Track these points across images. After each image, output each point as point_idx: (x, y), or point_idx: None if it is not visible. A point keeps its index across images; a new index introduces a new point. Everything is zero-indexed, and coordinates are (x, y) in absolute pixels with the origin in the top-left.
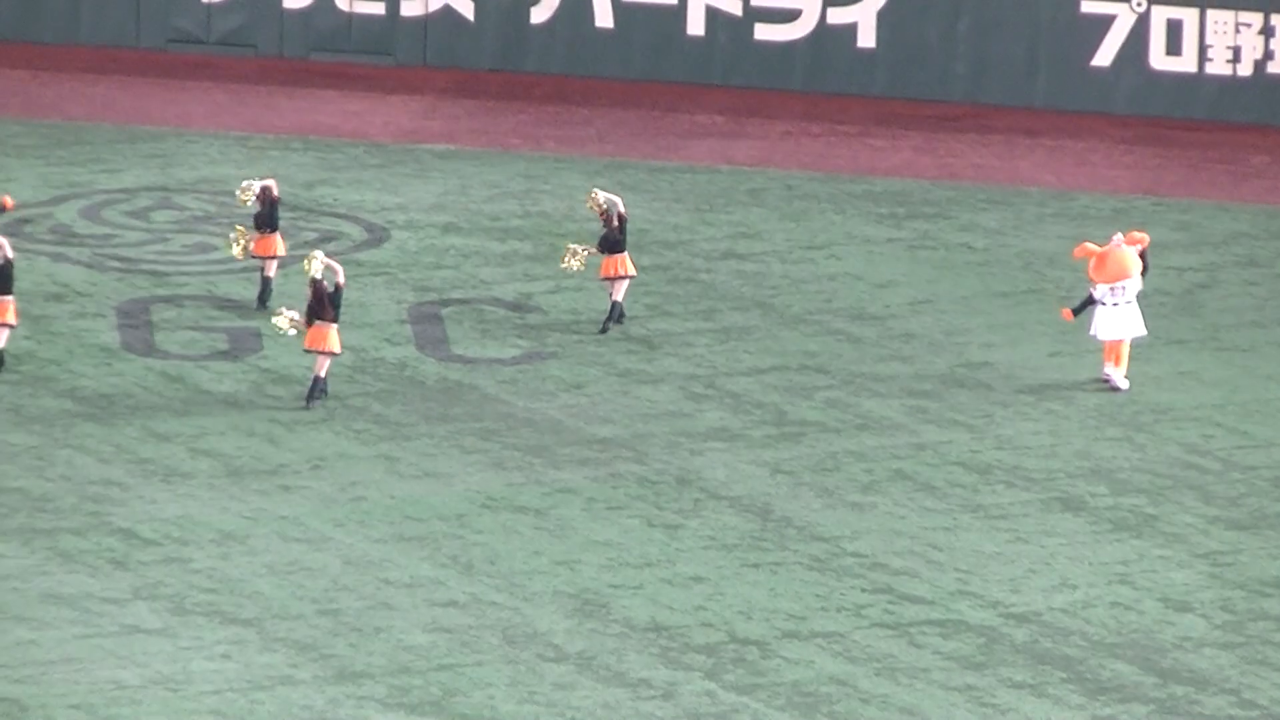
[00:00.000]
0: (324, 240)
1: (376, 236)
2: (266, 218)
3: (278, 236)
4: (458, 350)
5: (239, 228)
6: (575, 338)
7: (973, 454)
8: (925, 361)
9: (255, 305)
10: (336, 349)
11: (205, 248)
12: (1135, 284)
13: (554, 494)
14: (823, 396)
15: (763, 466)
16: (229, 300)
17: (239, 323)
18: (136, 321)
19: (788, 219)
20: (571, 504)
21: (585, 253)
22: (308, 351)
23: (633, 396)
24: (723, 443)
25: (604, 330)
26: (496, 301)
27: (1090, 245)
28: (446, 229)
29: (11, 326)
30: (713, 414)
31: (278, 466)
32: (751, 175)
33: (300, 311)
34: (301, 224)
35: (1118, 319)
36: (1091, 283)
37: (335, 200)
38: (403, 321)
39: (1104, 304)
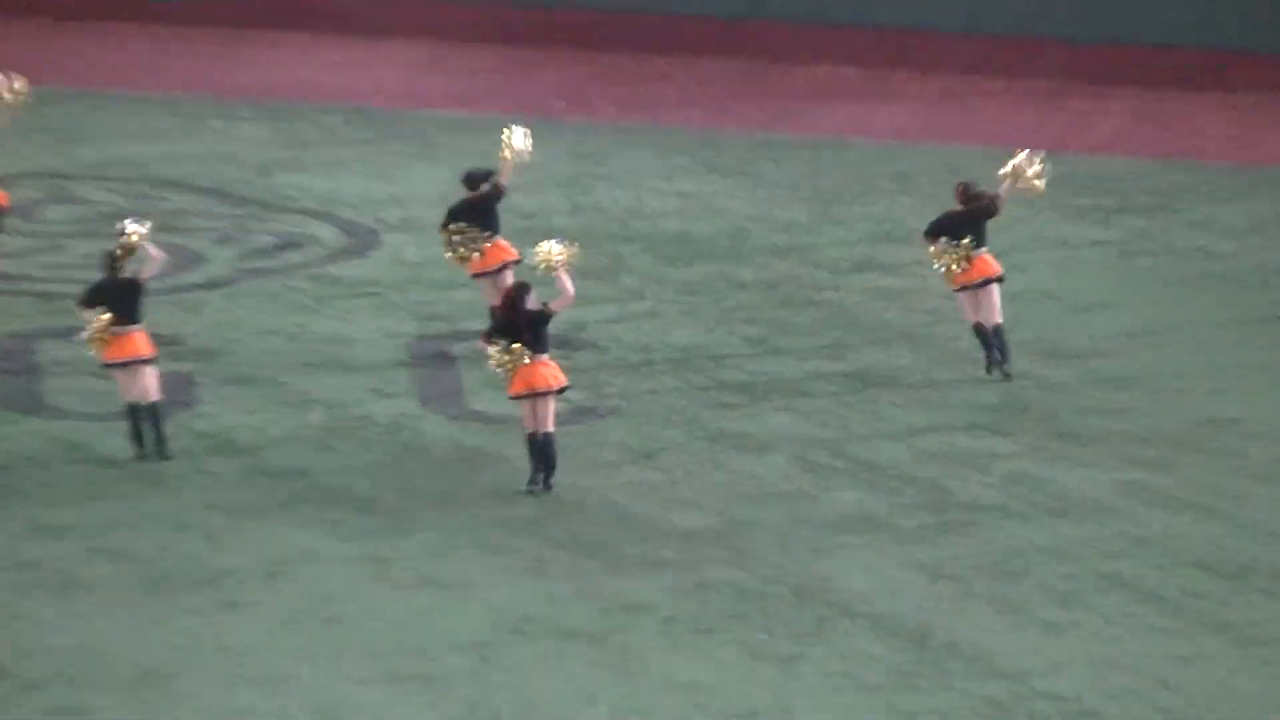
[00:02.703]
0: (284, 248)
1: (361, 242)
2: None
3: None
4: (477, 404)
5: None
6: (646, 385)
7: (1218, 550)
8: (1146, 417)
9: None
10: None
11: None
12: None
13: (615, 612)
14: (1002, 469)
15: (917, 570)
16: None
17: (164, 364)
18: (16, 365)
19: None
20: (641, 626)
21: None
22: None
23: (729, 470)
24: (859, 536)
25: (1003, 371)
26: None
27: None
28: None
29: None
30: (844, 494)
31: (218, 574)
32: (898, 152)
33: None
34: (252, 223)
35: None
36: None
37: (301, 190)
38: (399, 364)
39: None
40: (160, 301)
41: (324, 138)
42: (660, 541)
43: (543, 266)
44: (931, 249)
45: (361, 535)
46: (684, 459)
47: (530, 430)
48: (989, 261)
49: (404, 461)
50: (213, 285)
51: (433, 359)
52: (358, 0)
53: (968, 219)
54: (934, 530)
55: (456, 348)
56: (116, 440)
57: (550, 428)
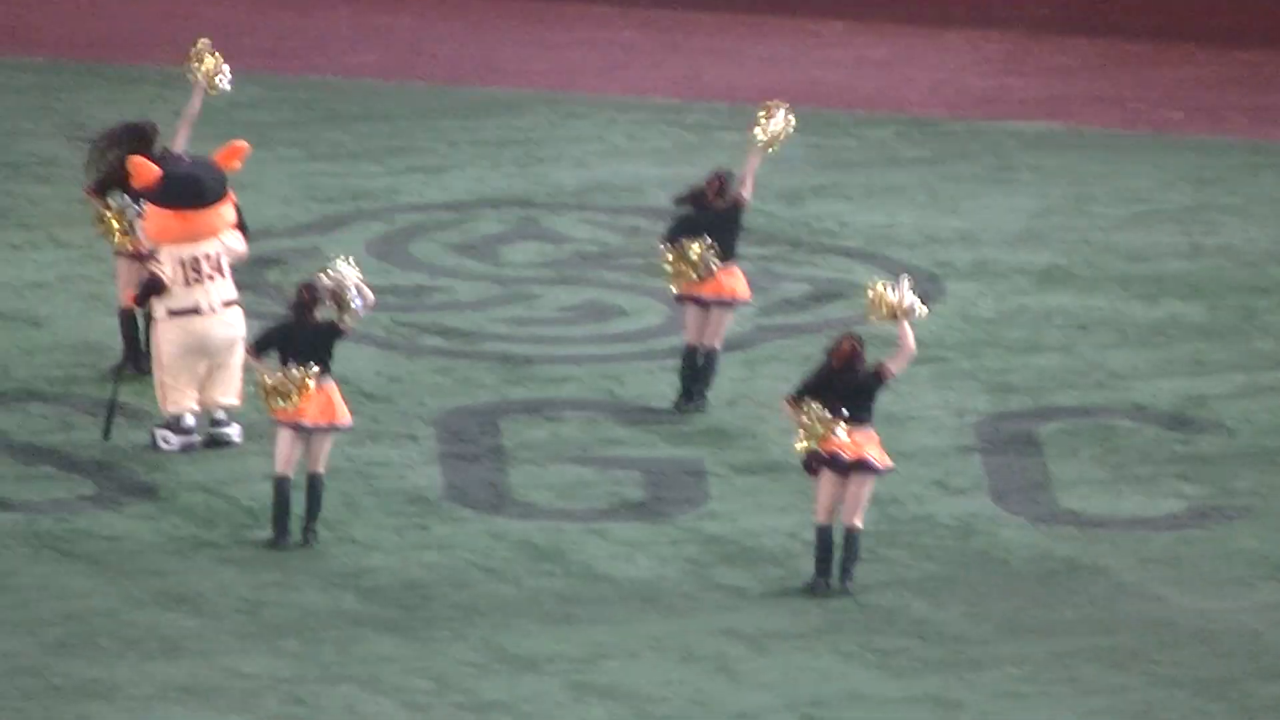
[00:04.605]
0: (818, 299)
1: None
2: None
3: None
4: (1069, 502)
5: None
6: None
7: None
8: None
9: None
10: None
11: (601, 312)
12: None
13: None
14: None
15: None
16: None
17: (666, 449)
18: (475, 449)
19: None
20: None
21: None
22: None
23: None
24: None
25: None
26: (1140, 412)
27: None
28: (1047, 277)
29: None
30: None
31: (737, 718)
32: None
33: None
34: (779, 267)
35: None
36: None
37: (842, 224)
38: (967, 449)
39: None
40: (648, 367)
41: (871, 157)
42: None
43: (881, 311)
44: None
45: (921, 669)
46: None
47: (823, 523)
48: None
49: (975, 575)
50: (726, 347)
51: (1012, 443)
52: None
53: None
54: None
55: (1043, 429)
56: (602, 546)
57: (857, 522)
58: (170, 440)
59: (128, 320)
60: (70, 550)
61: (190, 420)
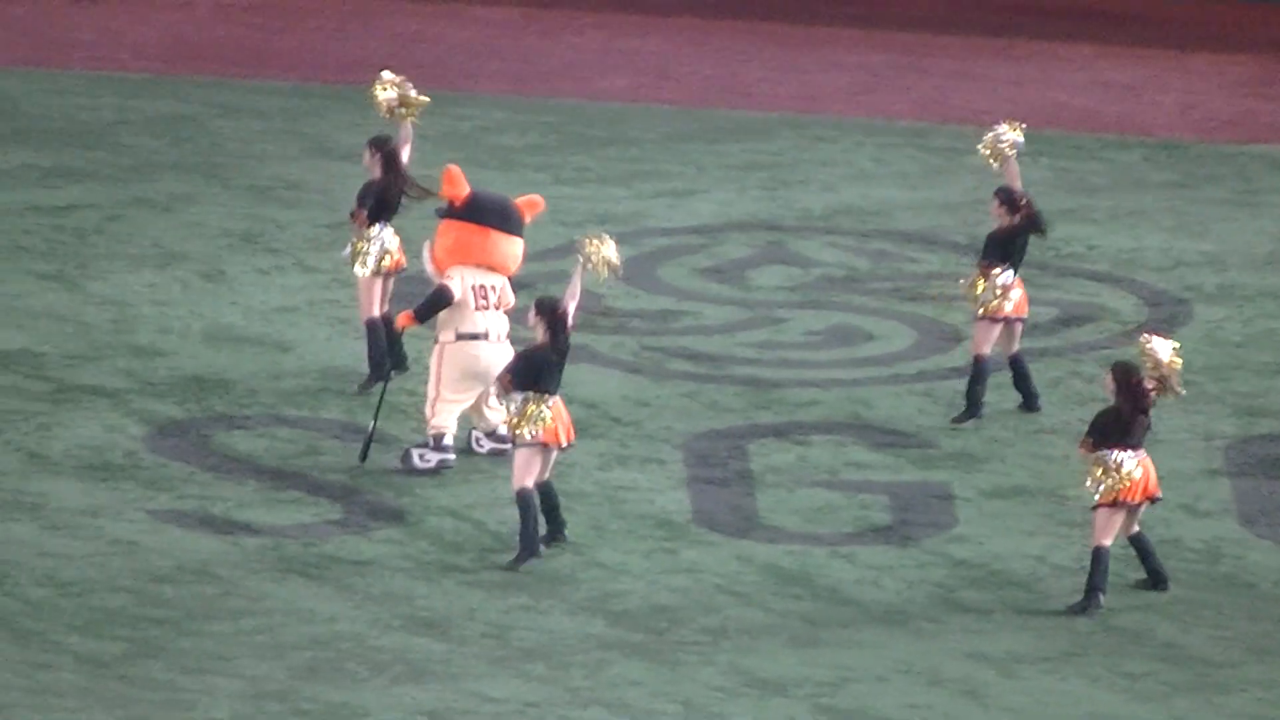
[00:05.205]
0: (1066, 323)
1: (1165, 313)
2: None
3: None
4: None
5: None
6: None
7: None
8: None
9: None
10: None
11: (848, 335)
12: None
13: None
14: None
15: None
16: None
17: (912, 473)
18: (722, 472)
19: None
20: None
21: None
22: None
23: None
24: None
25: None
26: None
27: None
28: None
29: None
30: None
31: None
32: None
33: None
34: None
35: None
36: None
37: (1090, 248)
38: (1215, 472)
39: None
40: (895, 390)
41: (1117, 180)
42: None
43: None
44: None
45: (1169, 692)
46: None
47: (1105, 544)
48: None
49: (1222, 598)
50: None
51: (1260, 467)
52: (1160, 3)
53: None
54: None
55: None
56: (849, 570)
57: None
58: (427, 458)
59: (375, 333)
60: (317, 574)
61: (450, 440)
